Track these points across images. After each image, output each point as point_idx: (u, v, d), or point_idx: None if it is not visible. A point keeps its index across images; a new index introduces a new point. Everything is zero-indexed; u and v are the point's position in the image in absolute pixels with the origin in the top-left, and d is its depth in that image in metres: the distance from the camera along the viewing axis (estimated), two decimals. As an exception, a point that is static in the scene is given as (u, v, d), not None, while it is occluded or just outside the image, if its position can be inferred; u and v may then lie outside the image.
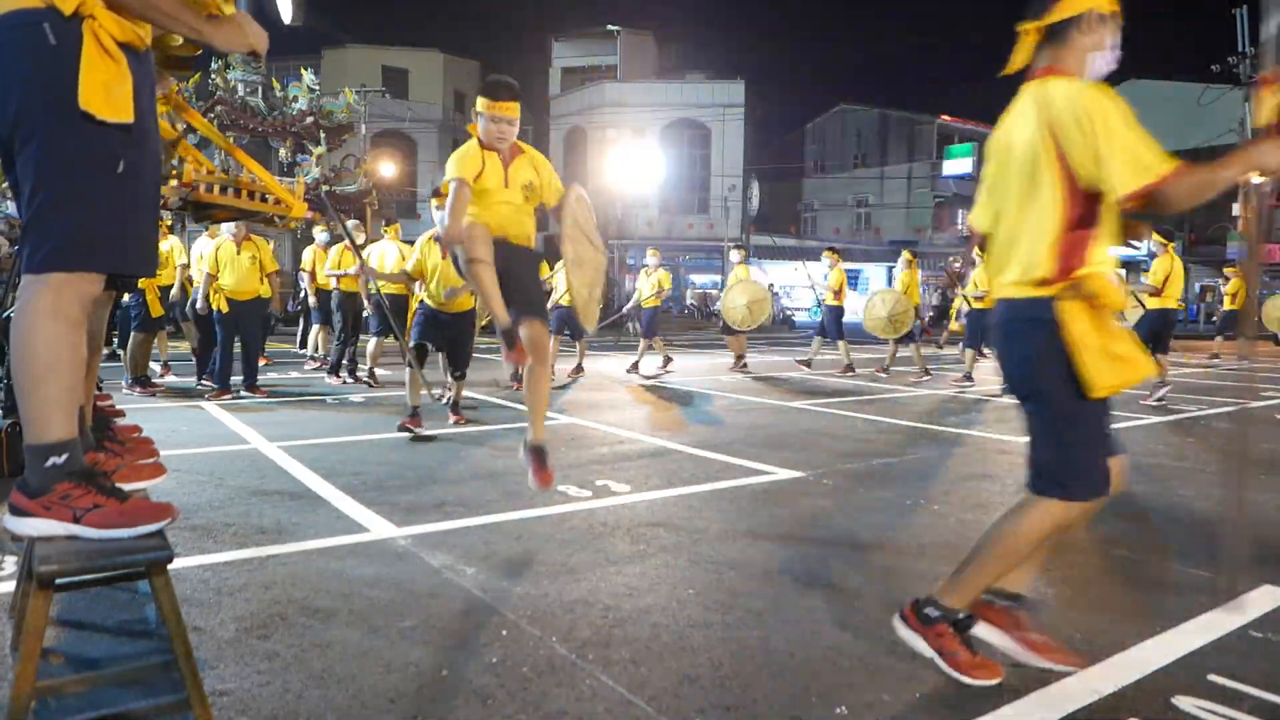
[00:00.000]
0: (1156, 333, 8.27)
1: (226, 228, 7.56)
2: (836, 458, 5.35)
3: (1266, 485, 4.79)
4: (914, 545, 3.52)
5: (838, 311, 11.34)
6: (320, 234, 10.42)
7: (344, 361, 9.02)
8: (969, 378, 9.92)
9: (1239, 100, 22.34)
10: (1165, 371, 8.44)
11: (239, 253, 7.67)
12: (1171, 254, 8.40)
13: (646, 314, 11.07)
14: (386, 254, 8.41)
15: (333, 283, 9.16)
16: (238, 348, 7.85)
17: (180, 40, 2.27)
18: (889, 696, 2.17)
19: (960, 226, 37.96)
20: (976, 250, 9.19)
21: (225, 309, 7.64)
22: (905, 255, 11.39)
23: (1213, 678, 2.29)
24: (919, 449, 5.75)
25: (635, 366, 10.93)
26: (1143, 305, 8.47)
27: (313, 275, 10.11)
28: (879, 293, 11.45)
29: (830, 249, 12.05)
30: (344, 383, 8.79)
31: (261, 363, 10.24)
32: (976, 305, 9.72)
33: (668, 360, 11.23)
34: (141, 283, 7.47)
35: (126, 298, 7.57)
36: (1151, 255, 8.59)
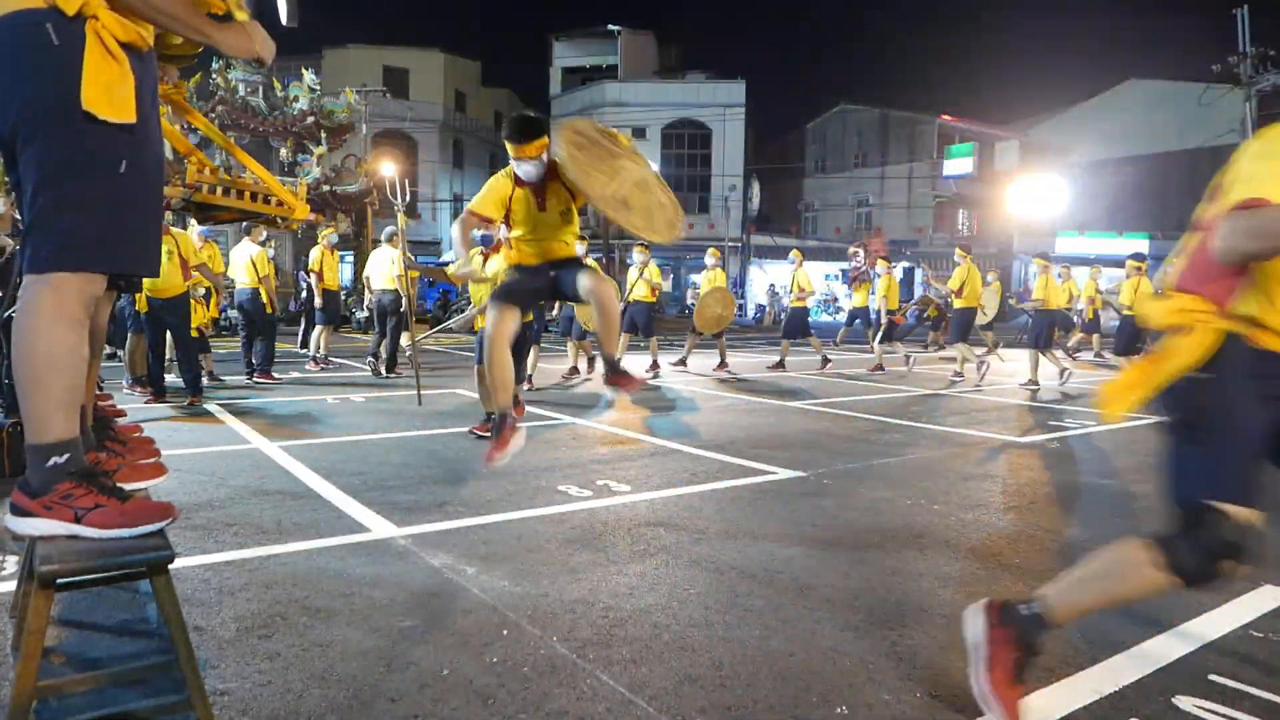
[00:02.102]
0: (963, 325, 10.54)
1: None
2: (836, 458, 5.36)
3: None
4: (915, 545, 3.52)
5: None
6: (329, 235, 10.45)
7: (382, 355, 9.72)
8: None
9: (1239, 100, 22.30)
10: (974, 352, 10.54)
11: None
12: (970, 264, 10.38)
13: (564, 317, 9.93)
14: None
15: (378, 282, 9.80)
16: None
17: (180, 40, 2.27)
18: (889, 696, 2.17)
19: (961, 227, 37.94)
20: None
21: (144, 308, 7.21)
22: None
23: (1213, 678, 2.29)
24: (919, 449, 5.75)
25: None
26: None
27: (320, 276, 10.13)
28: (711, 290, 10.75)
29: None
30: (385, 376, 9.48)
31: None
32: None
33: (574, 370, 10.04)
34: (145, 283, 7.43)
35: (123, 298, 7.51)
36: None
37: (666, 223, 3.85)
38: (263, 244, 9.27)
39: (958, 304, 10.50)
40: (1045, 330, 9.94)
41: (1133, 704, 2.14)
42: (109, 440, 2.42)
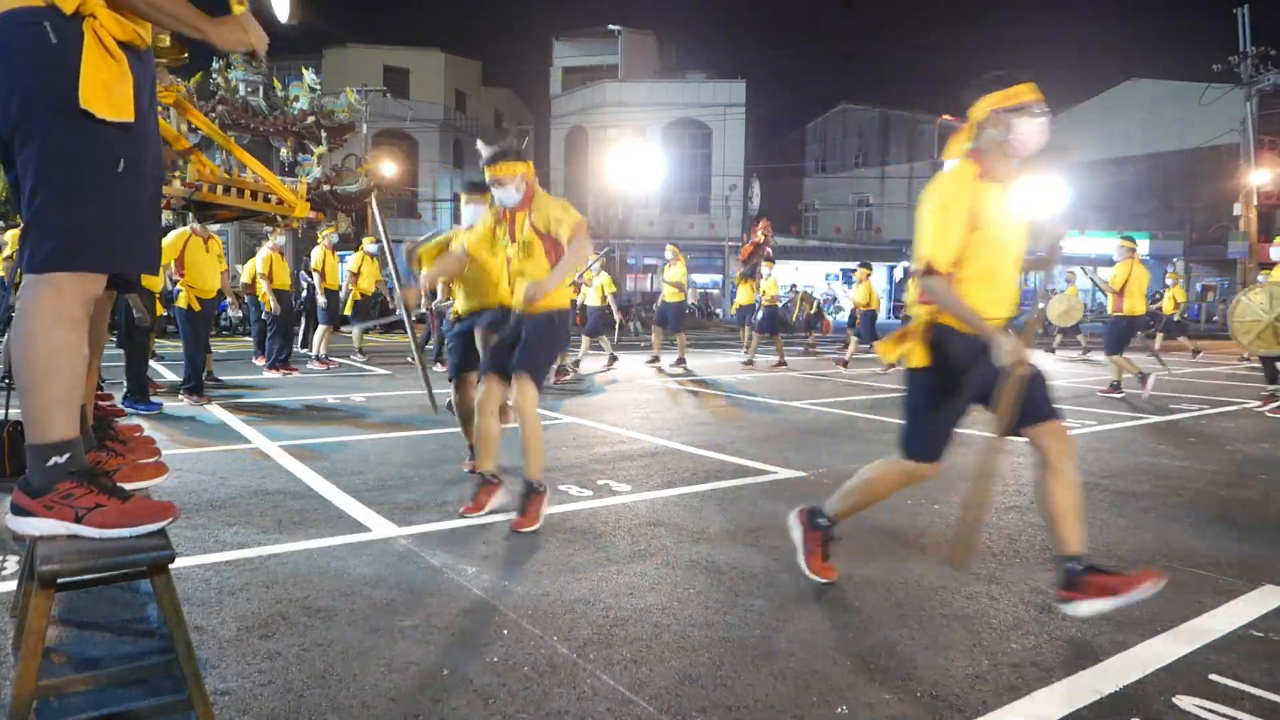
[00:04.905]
0: (770, 319, 12.52)
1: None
2: (837, 457, 5.35)
3: (1268, 485, 4.79)
4: (915, 544, 3.52)
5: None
6: (331, 235, 10.48)
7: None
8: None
9: (1240, 100, 22.31)
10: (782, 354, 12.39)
11: (207, 250, 7.34)
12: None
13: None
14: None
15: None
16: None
17: (168, 41, 2.27)
18: (889, 696, 2.17)
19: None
20: None
21: (197, 308, 7.23)
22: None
23: (1214, 677, 2.29)
24: (920, 449, 5.74)
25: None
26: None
27: (323, 275, 10.15)
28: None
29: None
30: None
31: (259, 359, 10.32)
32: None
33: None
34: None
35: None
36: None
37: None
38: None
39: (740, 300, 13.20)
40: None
41: (1133, 704, 2.14)
42: (109, 440, 2.42)
